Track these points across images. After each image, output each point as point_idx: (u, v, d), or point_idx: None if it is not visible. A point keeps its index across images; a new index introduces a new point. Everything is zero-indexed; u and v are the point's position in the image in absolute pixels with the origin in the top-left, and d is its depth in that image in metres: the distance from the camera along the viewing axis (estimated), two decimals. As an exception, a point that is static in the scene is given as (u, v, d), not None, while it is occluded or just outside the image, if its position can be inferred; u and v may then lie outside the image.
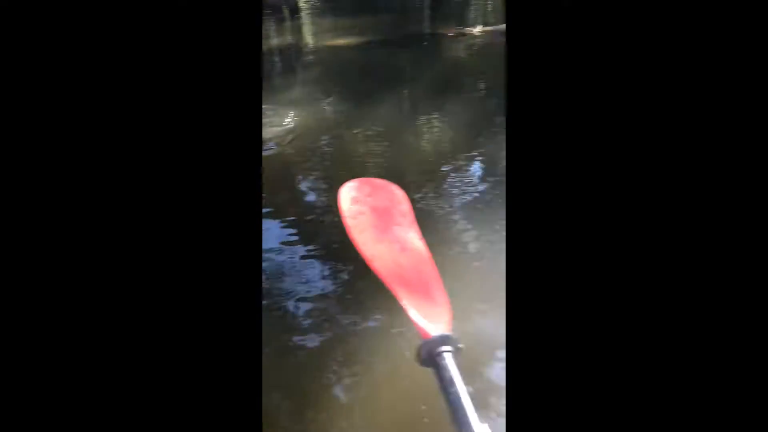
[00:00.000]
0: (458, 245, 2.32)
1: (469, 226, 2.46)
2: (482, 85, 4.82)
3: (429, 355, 0.63)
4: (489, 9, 9.84)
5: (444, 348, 0.62)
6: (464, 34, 7.10)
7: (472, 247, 2.31)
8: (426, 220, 2.39)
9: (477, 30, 7.23)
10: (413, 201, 1.04)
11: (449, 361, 0.61)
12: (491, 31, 7.28)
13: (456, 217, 2.55)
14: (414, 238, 0.90)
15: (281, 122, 3.80)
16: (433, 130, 3.69)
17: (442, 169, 3.03)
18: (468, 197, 2.72)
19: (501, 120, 3.50)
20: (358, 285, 2.11)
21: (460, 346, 0.65)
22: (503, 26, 7.52)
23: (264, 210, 2.65)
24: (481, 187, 2.82)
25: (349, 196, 1.06)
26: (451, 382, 0.58)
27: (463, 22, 7.96)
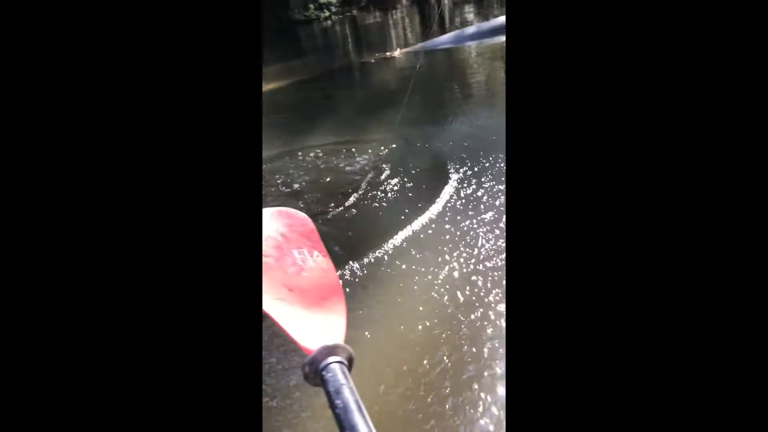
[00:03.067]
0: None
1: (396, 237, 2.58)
2: (408, 101, 5.18)
3: (314, 372, 0.57)
4: (407, 32, 10.51)
5: (330, 360, 0.57)
6: (386, 58, 7.60)
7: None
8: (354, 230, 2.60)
9: (397, 53, 7.76)
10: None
11: (336, 372, 0.55)
12: (410, 51, 7.83)
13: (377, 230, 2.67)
14: (318, 256, 0.91)
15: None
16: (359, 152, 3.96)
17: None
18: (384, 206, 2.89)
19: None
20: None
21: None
22: (420, 45, 8.09)
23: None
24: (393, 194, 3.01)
25: None
26: (337, 394, 0.52)
27: (386, 47, 8.53)
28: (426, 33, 9.03)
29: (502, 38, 7.00)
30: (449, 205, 2.69)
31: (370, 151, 3.70)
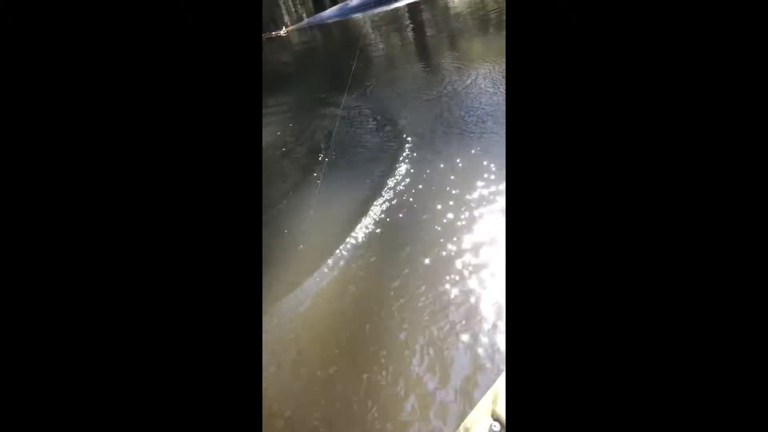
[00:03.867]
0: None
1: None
2: (297, 78, 5.23)
3: None
4: (299, 8, 10.34)
5: None
6: (272, 38, 7.51)
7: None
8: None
9: (283, 31, 7.68)
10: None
11: None
12: (295, 29, 7.78)
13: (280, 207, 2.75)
14: None
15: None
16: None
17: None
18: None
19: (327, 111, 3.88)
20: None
21: None
22: (306, 21, 8.05)
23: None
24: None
25: None
26: None
27: (277, 25, 8.41)
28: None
29: (387, 7, 7.15)
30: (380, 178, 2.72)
31: (276, 131, 3.82)
